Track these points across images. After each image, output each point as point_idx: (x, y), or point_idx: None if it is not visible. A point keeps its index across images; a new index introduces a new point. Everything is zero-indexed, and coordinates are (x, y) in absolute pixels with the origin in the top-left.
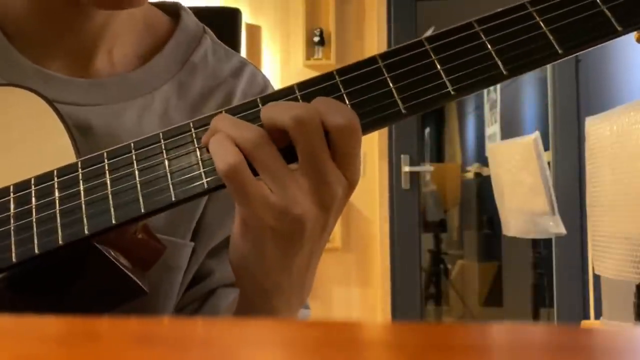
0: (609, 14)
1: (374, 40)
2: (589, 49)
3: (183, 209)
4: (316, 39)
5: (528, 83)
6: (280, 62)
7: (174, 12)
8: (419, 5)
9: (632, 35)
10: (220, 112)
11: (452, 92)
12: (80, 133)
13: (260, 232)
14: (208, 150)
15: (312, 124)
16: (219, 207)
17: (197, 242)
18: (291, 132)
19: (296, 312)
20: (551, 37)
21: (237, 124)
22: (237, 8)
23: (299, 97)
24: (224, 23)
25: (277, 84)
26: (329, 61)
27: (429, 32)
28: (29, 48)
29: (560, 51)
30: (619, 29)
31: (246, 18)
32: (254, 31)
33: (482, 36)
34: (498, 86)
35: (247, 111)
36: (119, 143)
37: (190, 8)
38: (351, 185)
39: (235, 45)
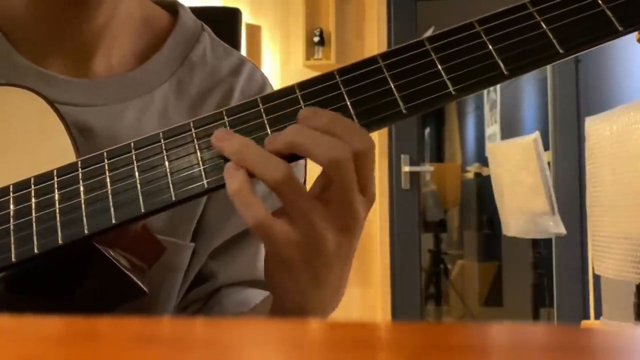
0: (610, 13)
1: (374, 40)
2: (590, 49)
3: (183, 210)
4: (316, 39)
5: (528, 83)
6: (280, 62)
7: (172, 10)
8: (419, 5)
9: (633, 35)
10: (221, 111)
11: (453, 92)
12: (81, 134)
13: (288, 265)
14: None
15: (347, 163)
16: (220, 207)
17: (199, 242)
18: (328, 171)
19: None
20: (552, 37)
21: (264, 159)
22: (237, 8)
23: (299, 97)
24: (224, 23)
25: (277, 84)
26: (329, 61)
27: (429, 32)
28: (28, 48)
29: (561, 51)
30: (620, 28)
31: (246, 18)
32: (254, 31)
33: (483, 36)
34: (498, 86)
35: (247, 111)
36: (119, 143)
37: (190, 8)
38: (371, 202)
39: (235, 45)
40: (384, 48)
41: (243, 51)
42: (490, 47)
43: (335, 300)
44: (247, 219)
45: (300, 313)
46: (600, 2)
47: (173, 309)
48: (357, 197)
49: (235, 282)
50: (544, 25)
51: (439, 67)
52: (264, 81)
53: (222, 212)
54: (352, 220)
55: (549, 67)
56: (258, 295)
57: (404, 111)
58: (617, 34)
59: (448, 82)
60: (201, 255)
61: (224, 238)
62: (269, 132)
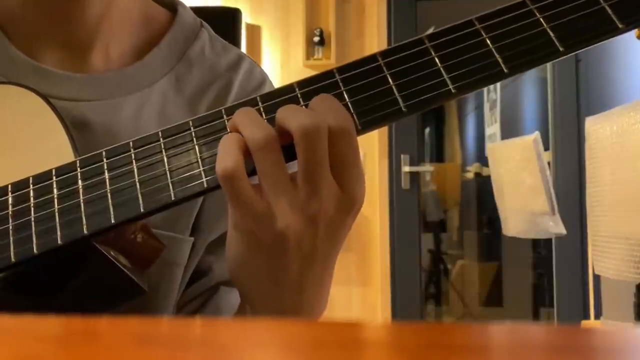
0: (610, 11)
1: (374, 40)
2: (591, 47)
3: (181, 205)
4: (316, 39)
5: (528, 83)
6: (280, 62)
7: (171, 7)
8: (419, 5)
9: (633, 35)
10: (220, 110)
11: (453, 90)
12: (77, 129)
13: (246, 237)
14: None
15: (316, 133)
16: (216, 202)
17: (196, 237)
18: (295, 139)
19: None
20: (552, 35)
21: (253, 121)
22: (237, 8)
23: (299, 95)
24: (224, 23)
25: (277, 83)
26: (329, 61)
27: (429, 32)
28: (25, 43)
29: (561, 49)
30: (620, 26)
31: (246, 18)
32: (254, 31)
33: (483, 34)
34: (498, 86)
35: None
36: (117, 139)
37: (191, 8)
38: (350, 199)
39: (235, 45)
40: (383, 48)
41: (243, 51)
42: (490, 45)
43: (299, 306)
44: (217, 165)
45: (252, 303)
46: None
47: (174, 305)
48: (324, 178)
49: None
50: (544, 23)
51: (439, 65)
52: (263, 77)
53: (219, 206)
54: (316, 207)
55: (549, 67)
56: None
57: (403, 109)
58: (617, 32)
59: (448, 81)
60: (198, 249)
61: (220, 232)
62: None
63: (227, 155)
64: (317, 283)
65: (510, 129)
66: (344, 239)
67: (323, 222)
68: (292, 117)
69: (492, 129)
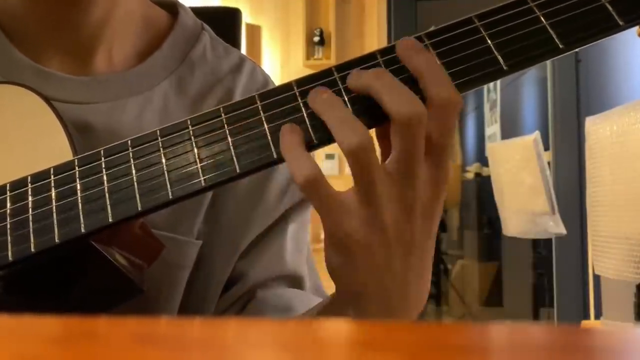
0: (610, 8)
1: (374, 40)
2: (591, 44)
3: (184, 206)
4: (316, 38)
5: (528, 83)
6: (280, 62)
7: (172, 9)
8: (419, 5)
9: (633, 35)
10: (218, 109)
11: None
12: (80, 131)
13: (344, 242)
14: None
15: (419, 124)
16: (243, 206)
17: (223, 246)
18: (394, 127)
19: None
20: (552, 32)
21: (345, 122)
22: (237, 8)
23: (297, 93)
24: (224, 23)
25: (277, 84)
26: (329, 61)
27: (427, 31)
28: (27, 46)
29: (561, 46)
30: (621, 23)
31: (246, 18)
32: (254, 31)
33: (482, 31)
34: (498, 86)
35: (245, 108)
36: (119, 141)
37: (190, 8)
38: (442, 183)
39: (235, 45)
40: None
41: (243, 51)
42: (489, 42)
43: (406, 297)
44: (297, 174)
45: (362, 307)
46: None
47: (177, 308)
48: (420, 166)
49: (267, 279)
50: (543, 20)
51: (438, 62)
52: (266, 79)
53: (246, 210)
54: (414, 196)
55: (549, 67)
56: (297, 301)
57: None
58: (617, 29)
59: None
60: (227, 257)
61: (252, 236)
62: (266, 129)
63: (299, 161)
64: (417, 273)
65: (510, 129)
66: (437, 224)
67: (420, 210)
68: (394, 94)
69: (492, 129)
